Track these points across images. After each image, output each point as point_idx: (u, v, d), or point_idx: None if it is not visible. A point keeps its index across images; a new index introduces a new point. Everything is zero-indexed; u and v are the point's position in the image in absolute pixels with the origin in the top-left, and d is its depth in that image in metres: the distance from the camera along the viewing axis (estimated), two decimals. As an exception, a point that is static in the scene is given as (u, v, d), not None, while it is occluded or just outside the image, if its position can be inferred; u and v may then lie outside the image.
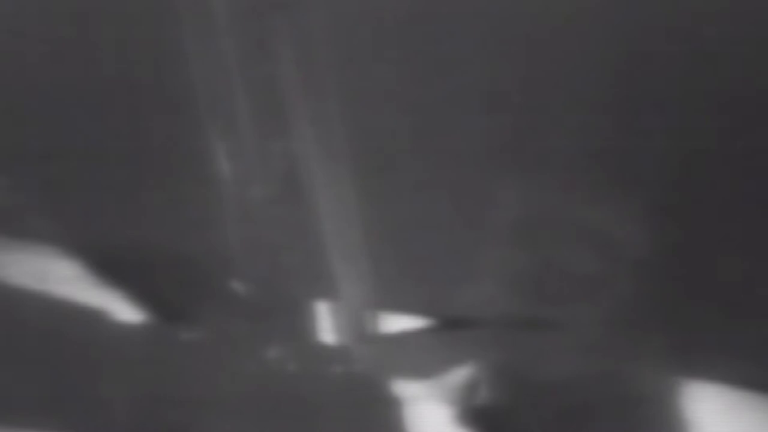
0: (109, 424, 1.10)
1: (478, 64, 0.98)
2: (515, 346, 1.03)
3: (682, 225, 0.98)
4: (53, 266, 1.11)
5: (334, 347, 1.08)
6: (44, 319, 1.11)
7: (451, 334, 1.07)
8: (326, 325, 1.08)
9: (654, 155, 0.97)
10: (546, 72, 0.97)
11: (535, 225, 1.01)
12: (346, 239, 1.05)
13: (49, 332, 1.11)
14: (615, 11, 0.94)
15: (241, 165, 1.04)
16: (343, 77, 0.99)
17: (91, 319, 1.11)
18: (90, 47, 1.03)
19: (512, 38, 0.96)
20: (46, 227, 1.09)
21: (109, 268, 1.10)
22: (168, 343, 1.10)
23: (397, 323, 1.08)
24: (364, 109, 1.00)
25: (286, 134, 1.02)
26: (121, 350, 1.10)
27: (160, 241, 1.09)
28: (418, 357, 1.08)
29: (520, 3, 0.96)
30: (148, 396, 1.09)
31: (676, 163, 0.97)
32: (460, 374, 1.05)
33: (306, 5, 0.98)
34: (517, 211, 1.01)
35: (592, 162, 0.98)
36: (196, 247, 1.08)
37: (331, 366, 1.08)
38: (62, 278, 1.11)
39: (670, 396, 1.01)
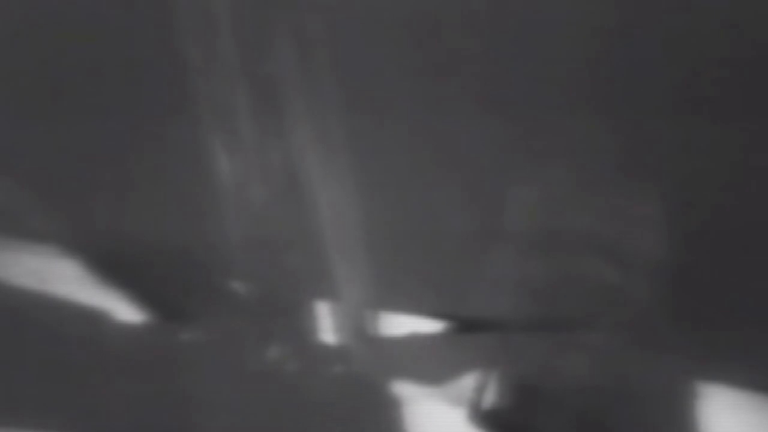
0: (109, 424, 1.10)
1: (480, 64, 0.98)
2: (524, 351, 1.03)
3: (694, 227, 0.98)
4: (54, 266, 1.11)
5: (334, 347, 1.08)
6: (45, 319, 1.11)
7: (455, 337, 1.07)
8: (326, 325, 1.08)
9: (663, 156, 0.97)
10: (549, 73, 0.97)
11: (543, 229, 1.01)
12: (346, 239, 1.05)
13: (49, 332, 1.11)
14: (618, 11, 0.94)
15: (241, 164, 1.04)
16: (343, 77, 0.99)
17: (91, 319, 1.11)
18: (90, 47, 1.03)
19: (514, 39, 0.96)
20: (46, 227, 1.09)
21: (109, 268, 1.10)
22: (168, 343, 1.10)
23: (397, 324, 1.08)
24: (364, 109, 1.00)
25: (285, 134, 1.02)
26: (121, 350, 1.10)
27: (160, 241, 1.09)
28: (420, 358, 1.08)
29: (522, 4, 0.96)
30: (148, 396, 1.09)
31: (685, 161, 0.97)
32: (467, 377, 1.05)
33: (306, 5, 0.98)
34: (523, 213, 1.01)
35: (600, 163, 0.98)
36: (197, 247, 1.08)
37: (331, 366, 1.08)
38: (63, 278, 1.11)
39: (685, 402, 1.01)
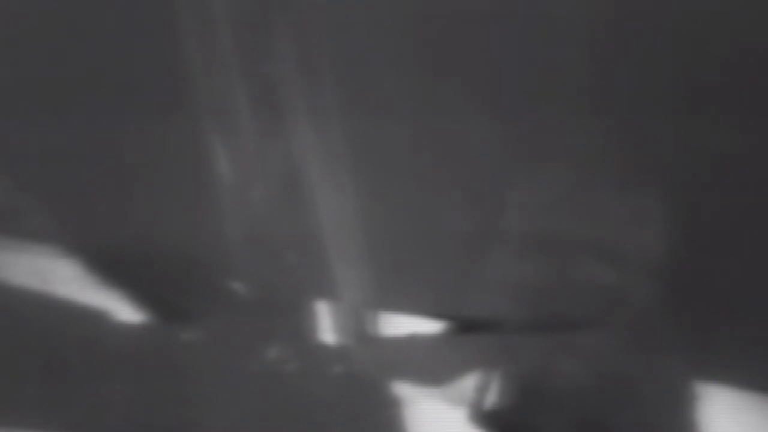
0: (109, 424, 1.10)
1: (480, 64, 0.98)
2: (524, 351, 1.03)
3: (694, 227, 0.98)
4: (54, 266, 1.11)
5: (334, 347, 1.08)
6: (45, 319, 1.11)
7: (455, 337, 1.07)
8: (326, 325, 1.08)
9: (662, 156, 0.97)
10: (549, 73, 0.97)
11: (543, 229, 1.01)
12: (346, 239, 1.05)
13: (50, 332, 1.11)
14: (618, 11, 0.94)
15: (241, 165, 1.04)
16: (343, 77, 0.99)
17: (91, 319, 1.11)
18: (90, 47, 1.03)
19: (513, 39, 0.96)
20: (46, 227, 1.09)
21: (109, 268, 1.10)
22: (168, 343, 1.10)
23: (396, 324, 1.08)
24: (364, 109, 1.00)
25: (286, 134, 1.02)
26: (121, 350, 1.10)
27: (160, 241, 1.09)
28: (420, 358, 1.08)
29: (521, 5, 0.96)
30: (148, 396, 1.09)
31: (685, 162, 0.97)
32: (467, 377, 1.05)
33: (306, 5, 0.98)
34: (523, 213, 1.01)
35: (600, 163, 0.98)
36: (196, 247, 1.08)
37: (331, 366, 1.08)
38: (63, 278, 1.11)
39: (685, 402, 1.01)
